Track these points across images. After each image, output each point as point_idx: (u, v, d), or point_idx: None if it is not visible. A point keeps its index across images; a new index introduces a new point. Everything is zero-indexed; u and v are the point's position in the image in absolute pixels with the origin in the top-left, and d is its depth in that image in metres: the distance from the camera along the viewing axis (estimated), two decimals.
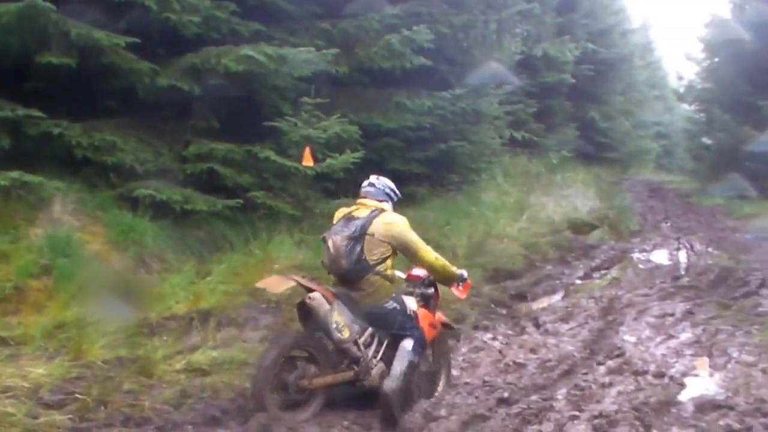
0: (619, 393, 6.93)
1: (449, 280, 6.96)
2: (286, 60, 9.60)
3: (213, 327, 7.37)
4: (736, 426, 6.06)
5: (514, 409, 6.41)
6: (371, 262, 6.38)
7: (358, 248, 6.33)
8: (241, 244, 9.13)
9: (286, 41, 10.33)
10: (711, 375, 7.68)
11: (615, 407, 6.44)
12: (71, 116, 8.81)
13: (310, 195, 10.19)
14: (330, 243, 6.40)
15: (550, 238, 14.25)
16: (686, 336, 9.09)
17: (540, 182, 19.69)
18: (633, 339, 8.99)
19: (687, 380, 7.45)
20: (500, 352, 8.53)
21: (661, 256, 14.70)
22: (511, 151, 20.98)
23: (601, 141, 30.24)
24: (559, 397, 6.86)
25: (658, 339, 8.98)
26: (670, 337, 9.07)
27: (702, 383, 7.42)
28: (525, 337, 9.19)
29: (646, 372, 7.59)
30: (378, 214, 6.51)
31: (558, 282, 12.30)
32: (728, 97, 25.38)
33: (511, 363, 8.07)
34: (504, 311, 10.42)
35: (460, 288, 7.15)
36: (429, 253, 6.65)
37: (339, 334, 6.19)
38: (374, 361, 6.53)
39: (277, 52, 9.48)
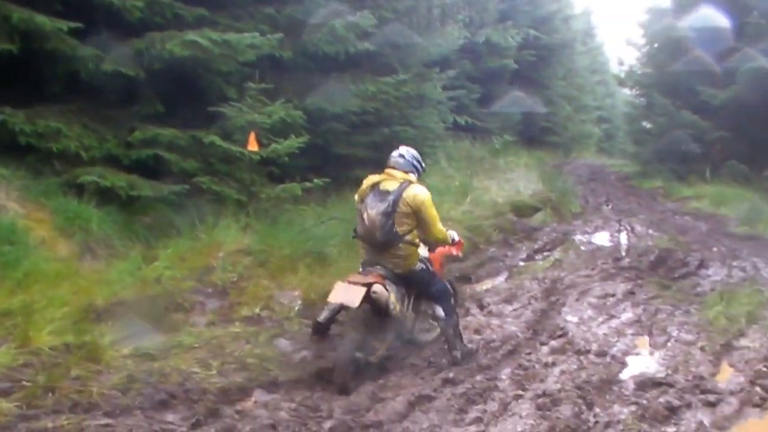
0: (562, 372, 7.08)
1: (446, 243, 7.83)
2: (230, 45, 9.59)
3: (160, 312, 7.34)
4: (676, 403, 6.25)
5: (459, 389, 6.54)
6: (401, 233, 7.14)
7: (390, 222, 7.07)
8: (187, 229, 9.09)
9: (230, 26, 10.31)
10: (651, 353, 7.88)
11: (558, 386, 6.58)
12: (14, 103, 8.70)
13: (255, 180, 10.16)
14: (365, 216, 7.15)
15: (493, 221, 14.32)
16: (627, 316, 9.25)
17: (483, 166, 19.74)
18: (575, 319, 9.11)
19: (628, 359, 7.64)
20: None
21: (602, 238, 14.84)
22: (454, 135, 21.05)
23: (543, 125, 30.46)
24: (503, 376, 7.00)
25: (600, 319, 9.12)
26: (612, 317, 9.22)
27: (642, 361, 7.62)
28: (469, 318, 9.23)
29: (588, 351, 7.75)
30: (406, 186, 7.18)
31: (501, 264, 12.35)
32: (667, 82, 25.66)
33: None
34: None
35: (455, 247, 8.31)
36: (439, 231, 7.43)
37: (395, 311, 7.17)
38: (408, 315, 7.60)
39: (222, 37, 9.46)
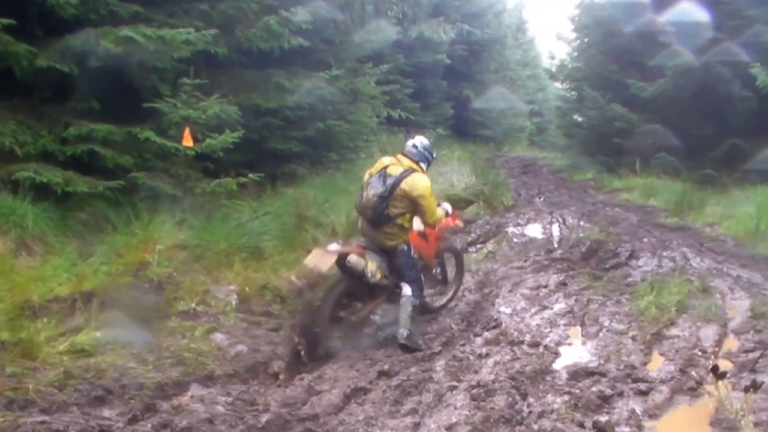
0: (496, 363, 7.23)
1: (439, 222, 8.56)
2: (165, 41, 9.54)
3: (96, 308, 7.29)
4: (608, 392, 6.44)
5: (395, 381, 6.67)
6: (392, 215, 7.93)
7: (384, 204, 7.86)
8: (123, 225, 9.03)
9: (165, 23, 10.25)
10: (584, 343, 8.09)
11: (492, 377, 6.72)
12: None
13: (190, 175, 10.15)
14: (364, 194, 8.04)
15: None
16: (560, 307, 9.44)
17: None
18: (509, 311, 9.30)
19: (561, 349, 7.84)
20: (379, 326, 8.74)
21: (534, 230, 15.06)
22: (388, 129, 21.14)
23: (475, 119, 30.70)
24: (438, 368, 7.14)
25: (533, 310, 9.32)
26: (544, 308, 9.42)
27: (575, 351, 7.82)
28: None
29: (521, 342, 7.94)
30: (408, 174, 7.92)
31: None
32: (598, 75, 26.00)
33: (390, 336, 8.27)
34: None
35: (450, 218, 9.20)
36: (431, 217, 8.13)
37: (374, 278, 7.98)
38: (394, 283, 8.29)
39: (156, 33, 9.40)
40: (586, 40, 28.41)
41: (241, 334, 7.64)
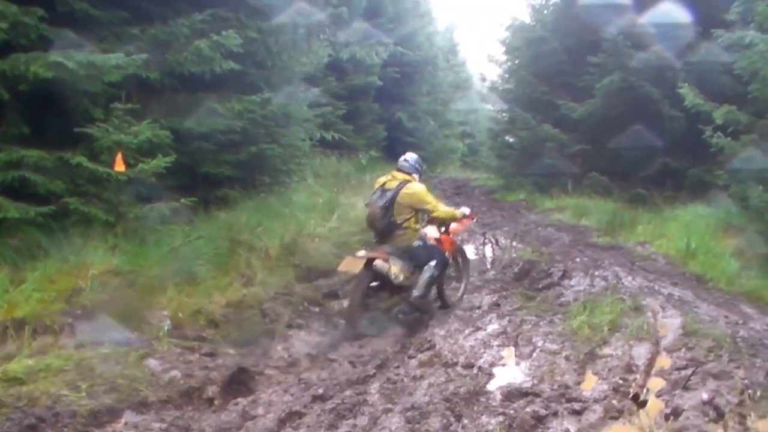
0: (431, 385, 7.28)
1: (456, 219, 10.28)
2: (96, 66, 9.48)
3: (28, 335, 7.26)
4: (543, 412, 6.52)
5: (329, 405, 6.71)
6: (398, 222, 9.60)
7: (388, 214, 9.53)
8: (55, 251, 8.95)
9: (96, 47, 10.23)
10: (517, 364, 8.12)
11: (427, 399, 6.80)
12: None
13: (123, 200, 10.10)
14: (370, 210, 9.74)
15: (360, 237, 14.39)
16: (493, 327, 9.47)
17: (350, 182, 19.96)
18: (442, 332, 9.27)
19: (495, 370, 7.87)
20: (315, 349, 8.79)
21: (467, 251, 15.07)
22: (321, 152, 21.25)
23: (408, 141, 30.84)
24: (373, 391, 7.19)
25: (467, 331, 9.31)
26: (478, 328, 9.43)
27: (509, 372, 7.85)
28: (337, 333, 9.46)
29: (455, 363, 7.97)
30: (404, 185, 9.61)
31: None
32: (529, 97, 26.29)
33: (325, 359, 8.34)
34: (317, 309, 10.57)
35: (467, 220, 10.83)
36: (439, 211, 9.83)
37: (398, 280, 9.50)
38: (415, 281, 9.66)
39: (87, 58, 9.34)
40: (516, 62, 28.72)
41: (174, 359, 7.63)
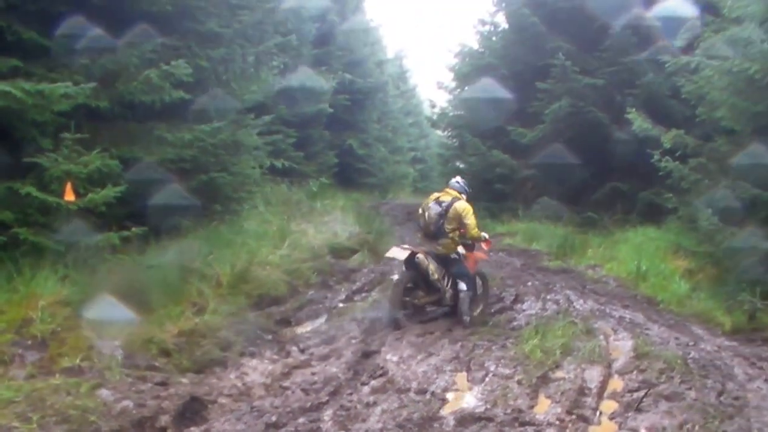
0: (384, 411, 7.32)
1: (480, 240, 11.84)
2: (44, 95, 9.46)
3: None
4: None
5: None
6: (446, 230, 11.38)
7: (441, 221, 11.36)
8: (4, 282, 8.87)
9: (45, 77, 10.18)
10: (470, 389, 8.18)
11: (380, 425, 6.83)
12: None
13: (73, 230, 10.04)
14: (426, 215, 11.50)
15: (311, 264, 14.46)
16: (446, 353, 9.52)
17: (301, 209, 19.93)
18: (395, 358, 9.33)
19: (448, 395, 7.95)
20: (268, 377, 8.77)
21: None
22: (272, 179, 21.19)
23: (359, 167, 30.99)
24: (326, 418, 7.20)
25: (419, 357, 9.36)
26: (431, 354, 9.48)
27: (462, 397, 7.90)
28: (290, 360, 9.44)
29: (408, 389, 8.01)
30: (455, 201, 11.43)
31: (321, 306, 12.53)
32: (478, 123, 26.45)
33: (278, 387, 8.33)
34: (270, 337, 10.52)
35: (483, 246, 12.35)
36: (475, 231, 11.45)
37: (433, 277, 11.34)
38: (447, 288, 11.50)
39: (35, 88, 9.32)
40: (466, 88, 28.88)
41: (126, 389, 7.58)
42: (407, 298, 11.38)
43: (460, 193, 11.68)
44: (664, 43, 17.98)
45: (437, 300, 11.65)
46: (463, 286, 11.39)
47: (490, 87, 23.12)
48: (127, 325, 8.92)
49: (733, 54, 13.08)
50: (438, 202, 11.50)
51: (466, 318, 11.22)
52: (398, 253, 11.50)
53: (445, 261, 11.52)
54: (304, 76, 22.88)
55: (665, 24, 18.26)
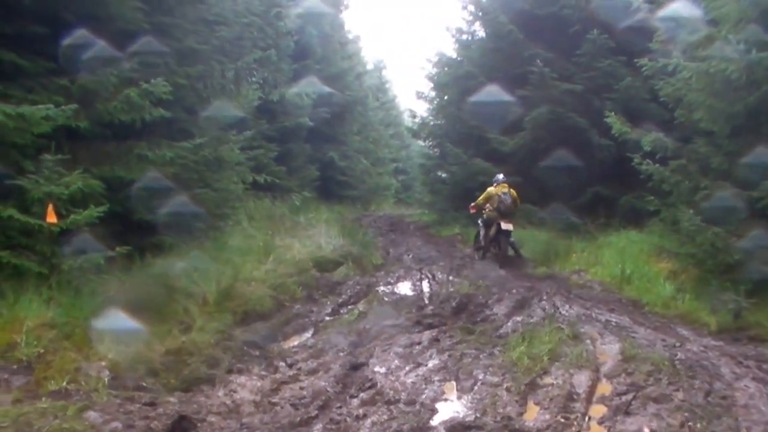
0: (374, 423, 7.28)
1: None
2: (24, 118, 9.43)
3: None
4: None
5: None
6: (512, 210, 17.99)
7: (512, 204, 17.98)
8: None
9: (24, 98, 10.14)
10: (459, 398, 8.15)
11: None
12: None
13: (56, 251, 10.00)
14: (503, 203, 17.88)
15: (296, 278, 14.44)
16: (434, 363, 9.48)
17: (284, 224, 19.95)
18: (383, 370, 9.28)
19: (437, 405, 7.91)
20: (256, 393, 8.73)
21: (405, 288, 15.22)
22: (255, 195, 21.22)
23: (341, 180, 31.06)
24: None
25: (407, 368, 9.31)
26: (419, 364, 9.43)
27: (452, 406, 7.89)
28: (278, 376, 9.39)
29: (398, 401, 7.95)
30: (509, 188, 18.10)
31: (307, 320, 12.45)
32: (459, 132, 26.69)
33: (267, 403, 8.29)
34: (257, 353, 10.38)
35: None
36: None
37: (512, 239, 18.09)
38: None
39: (16, 110, 9.29)
40: (445, 97, 29.00)
41: (114, 410, 7.51)
42: (491, 248, 18.82)
43: (508, 183, 18.54)
44: (641, 46, 18.01)
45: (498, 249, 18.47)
46: (515, 244, 18.82)
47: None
48: (113, 344, 8.88)
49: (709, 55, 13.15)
50: (504, 193, 18.09)
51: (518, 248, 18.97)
52: (506, 225, 17.83)
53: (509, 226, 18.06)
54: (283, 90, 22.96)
55: (642, 27, 18.33)
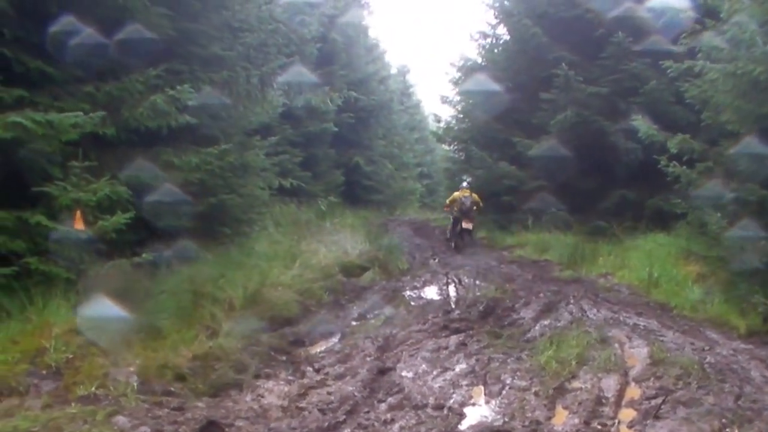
0: (402, 428, 7.28)
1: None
2: (53, 125, 9.48)
3: None
4: None
5: None
6: (472, 210, 21.90)
7: (471, 206, 21.86)
8: (17, 312, 8.88)
9: (51, 106, 10.21)
10: (487, 402, 8.12)
11: None
12: None
13: (84, 258, 10.05)
14: (464, 205, 21.80)
15: (323, 283, 14.42)
16: (461, 367, 9.46)
17: (310, 229, 19.97)
18: (411, 374, 9.25)
19: (465, 410, 7.89)
20: (284, 398, 8.73)
21: (431, 292, 15.17)
22: (280, 200, 21.24)
23: (366, 184, 31.04)
24: None
25: (435, 372, 9.29)
26: (446, 369, 9.40)
27: (480, 411, 7.88)
28: (305, 381, 9.38)
29: (425, 405, 7.94)
30: (471, 193, 22.17)
31: (334, 325, 12.43)
32: (484, 135, 26.59)
33: (294, 408, 8.29)
34: (284, 358, 10.40)
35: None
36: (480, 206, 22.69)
37: (470, 230, 22.40)
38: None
39: (45, 118, 9.34)
40: (470, 102, 28.87)
41: (143, 415, 7.54)
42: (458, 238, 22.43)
43: (470, 189, 22.39)
44: (666, 47, 17.89)
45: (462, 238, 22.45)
46: (474, 236, 23.16)
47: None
48: (141, 350, 8.92)
49: (735, 56, 13.03)
50: (465, 197, 21.78)
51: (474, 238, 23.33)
52: (467, 224, 21.77)
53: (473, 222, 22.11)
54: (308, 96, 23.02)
55: (666, 28, 18.24)
